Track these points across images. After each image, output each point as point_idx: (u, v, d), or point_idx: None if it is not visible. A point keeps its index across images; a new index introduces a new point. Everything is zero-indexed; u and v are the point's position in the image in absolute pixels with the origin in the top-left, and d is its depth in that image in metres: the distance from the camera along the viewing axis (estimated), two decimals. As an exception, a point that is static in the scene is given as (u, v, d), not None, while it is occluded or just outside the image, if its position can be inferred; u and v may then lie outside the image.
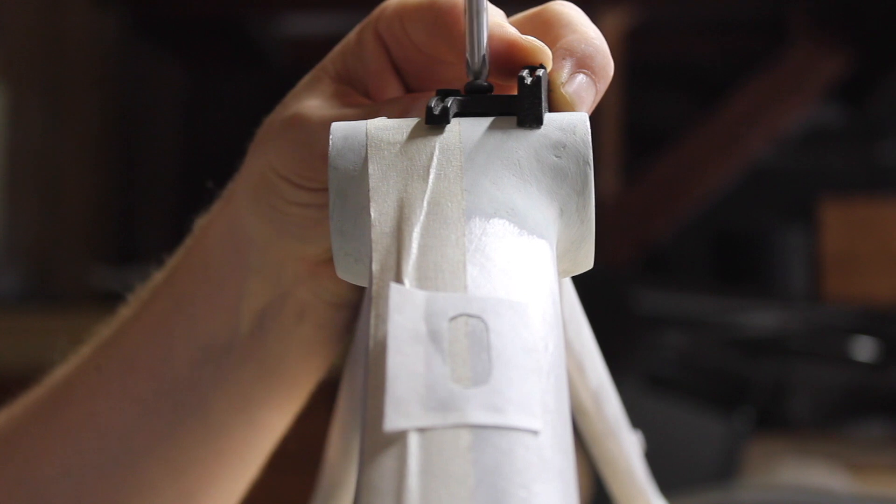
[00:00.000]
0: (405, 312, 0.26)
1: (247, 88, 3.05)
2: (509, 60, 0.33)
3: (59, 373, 0.45)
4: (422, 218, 0.29)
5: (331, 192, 0.32)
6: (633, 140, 2.95)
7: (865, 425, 2.25)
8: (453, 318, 0.26)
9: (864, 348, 2.22)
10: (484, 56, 0.32)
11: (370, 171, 0.31)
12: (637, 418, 0.53)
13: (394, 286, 0.27)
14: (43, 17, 2.53)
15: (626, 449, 0.47)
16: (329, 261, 0.40)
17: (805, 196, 3.02)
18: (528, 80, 0.31)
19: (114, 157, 2.92)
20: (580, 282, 0.40)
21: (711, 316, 2.37)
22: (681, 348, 2.30)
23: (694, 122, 2.78)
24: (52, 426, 0.43)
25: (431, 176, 0.30)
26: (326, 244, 0.38)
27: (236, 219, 0.41)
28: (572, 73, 0.33)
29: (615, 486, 0.49)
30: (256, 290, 0.41)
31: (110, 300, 0.51)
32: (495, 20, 0.34)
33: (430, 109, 0.31)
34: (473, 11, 0.32)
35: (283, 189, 0.37)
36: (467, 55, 0.32)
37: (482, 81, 0.33)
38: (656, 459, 0.56)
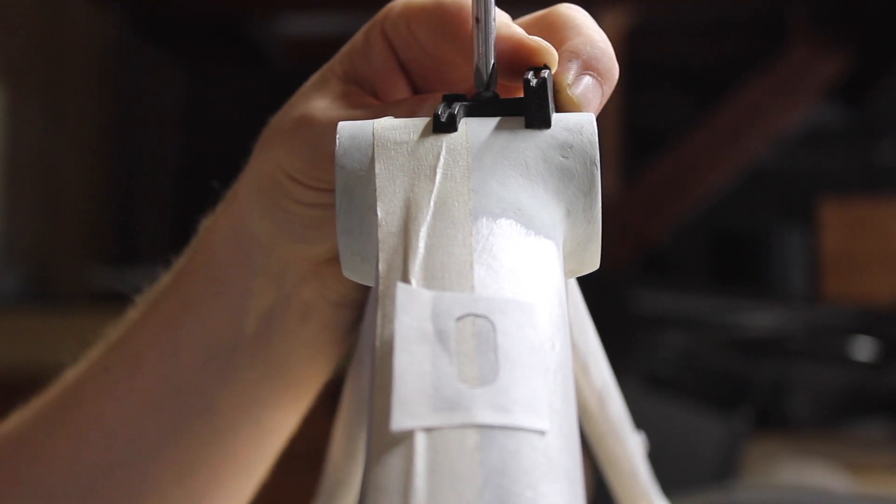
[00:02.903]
0: (412, 312, 0.26)
1: (247, 89, 3.05)
2: (515, 61, 0.33)
3: (69, 375, 0.45)
4: (429, 217, 0.29)
5: (337, 191, 0.32)
6: (633, 140, 2.95)
7: (865, 425, 2.25)
8: (460, 318, 0.26)
9: (864, 348, 2.22)
10: (493, 66, 0.32)
11: (377, 170, 0.31)
12: (637, 418, 0.53)
13: (400, 286, 0.27)
14: (43, 18, 2.53)
15: (630, 449, 0.47)
16: (334, 260, 0.40)
17: (804, 196, 3.02)
18: (534, 82, 0.31)
19: (113, 157, 2.92)
20: (579, 282, 0.40)
21: (711, 316, 2.37)
22: (680, 348, 2.30)
23: (694, 122, 2.78)
24: (60, 427, 0.44)
25: (438, 176, 0.30)
26: (331, 244, 0.38)
27: (241, 218, 0.41)
28: (578, 75, 0.33)
29: (618, 487, 0.49)
30: (261, 290, 0.41)
31: (109, 300, 0.51)
32: (501, 20, 0.34)
33: (437, 116, 0.31)
34: (482, 23, 0.32)
35: (291, 188, 0.37)
36: (476, 65, 0.32)
37: (492, 91, 0.33)
38: (656, 459, 0.56)
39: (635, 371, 2.17)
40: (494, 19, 0.32)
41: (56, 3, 2.58)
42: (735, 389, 2.19)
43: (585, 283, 0.42)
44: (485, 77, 0.32)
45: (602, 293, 2.24)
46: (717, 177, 2.74)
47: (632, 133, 2.93)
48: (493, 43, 0.32)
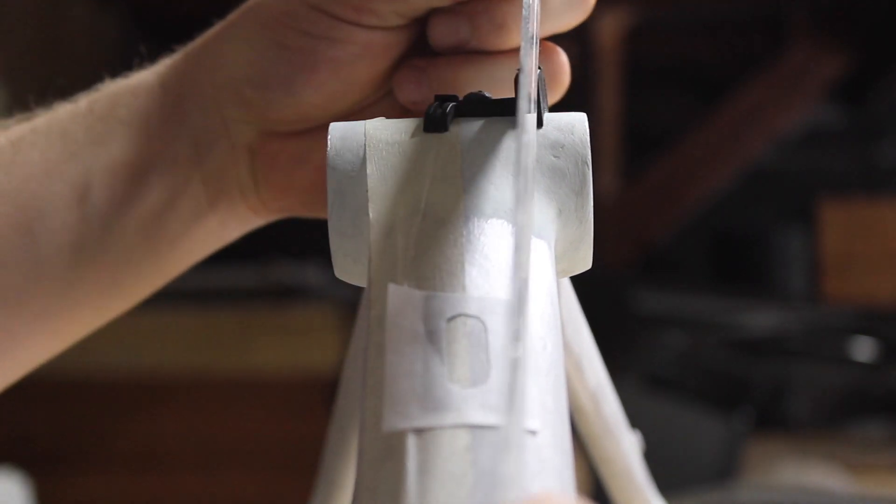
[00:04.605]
0: (403, 313, 0.26)
1: (246, 88, 3.05)
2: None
3: None
4: (420, 218, 0.29)
5: (329, 192, 0.32)
6: (633, 140, 2.94)
7: (865, 425, 2.25)
8: (451, 319, 0.26)
9: (864, 349, 2.22)
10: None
11: (368, 171, 0.31)
12: (637, 418, 0.53)
13: (392, 286, 0.27)
14: (43, 17, 2.53)
15: (625, 449, 0.47)
16: (279, 142, 0.39)
17: (804, 196, 3.02)
18: None
19: (113, 157, 2.92)
20: (580, 282, 0.40)
21: (711, 316, 2.37)
22: (681, 348, 2.30)
23: (694, 122, 2.78)
24: None
25: (430, 176, 0.30)
26: (306, 103, 0.38)
27: (199, 68, 0.40)
28: None
29: (613, 486, 0.49)
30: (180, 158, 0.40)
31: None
32: None
33: (428, 116, 0.31)
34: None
35: (306, 16, 0.37)
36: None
37: (483, 92, 0.33)
38: (656, 459, 0.56)
39: (635, 371, 2.17)
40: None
41: (56, 3, 2.58)
42: (735, 389, 2.19)
43: (586, 283, 0.42)
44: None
45: (602, 293, 2.24)
46: (717, 177, 2.74)
47: (632, 133, 2.93)
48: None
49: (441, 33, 0.37)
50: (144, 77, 0.41)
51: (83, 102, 0.41)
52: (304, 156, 0.40)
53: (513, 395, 0.25)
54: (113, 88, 0.41)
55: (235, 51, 0.39)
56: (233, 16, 0.40)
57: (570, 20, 0.38)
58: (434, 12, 0.38)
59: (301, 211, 0.42)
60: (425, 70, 0.38)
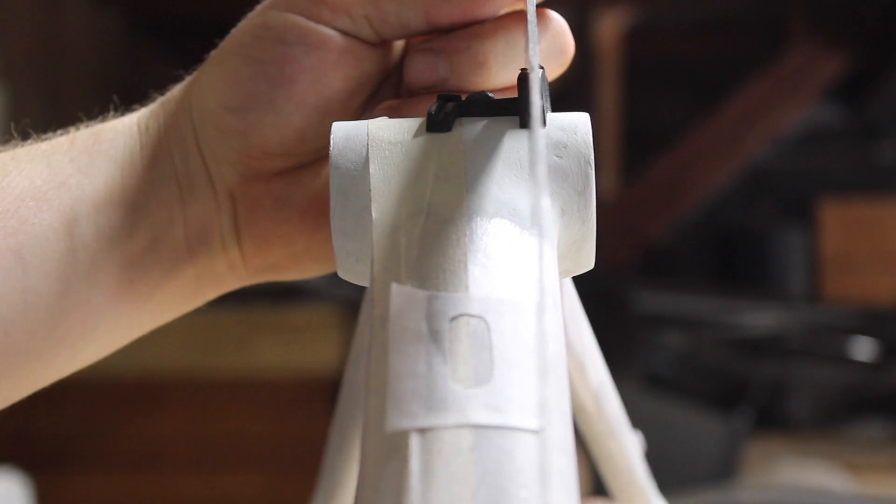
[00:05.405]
0: (406, 312, 0.27)
1: (246, 88, 3.04)
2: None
3: None
4: (423, 218, 0.29)
5: (332, 191, 0.32)
6: (632, 140, 2.95)
7: (864, 425, 2.25)
8: (455, 318, 0.26)
9: (863, 348, 2.22)
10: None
11: (371, 170, 0.31)
12: (636, 418, 0.53)
13: (395, 286, 0.27)
14: (43, 17, 2.53)
15: (627, 449, 0.47)
16: (253, 182, 0.39)
17: (804, 196, 3.02)
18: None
19: (113, 157, 2.92)
20: (580, 282, 0.40)
21: (711, 316, 2.38)
22: (680, 348, 2.30)
23: (694, 122, 2.78)
24: None
25: (433, 176, 0.30)
26: (287, 119, 0.37)
27: (186, 101, 0.39)
28: None
29: (615, 486, 0.49)
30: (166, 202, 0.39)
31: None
32: None
33: (431, 116, 0.31)
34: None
35: (284, 22, 0.37)
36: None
37: (486, 92, 0.33)
38: (656, 459, 0.56)
39: (635, 371, 2.17)
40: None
41: (56, 3, 2.58)
42: (735, 389, 2.19)
43: (586, 283, 0.42)
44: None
45: (602, 293, 2.24)
46: (717, 177, 2.75)
47: (632, 133, 2.93)
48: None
49: (418, 71, 0.37)
50: (122, 120, 0.41)
51: (62, 138, 0.40)
52: (286, 198, 0.39)
53: (516, 395, 0.25)
54: (92, 127, 0.41)
55: (211, 78, 0.39)
56: (209, 55, 0.40)
57: (550, 70, 0.38)
58: (410, 50, 0.38)
59: (283, 268, 0.41)
60: (400, 110, 0.37)
